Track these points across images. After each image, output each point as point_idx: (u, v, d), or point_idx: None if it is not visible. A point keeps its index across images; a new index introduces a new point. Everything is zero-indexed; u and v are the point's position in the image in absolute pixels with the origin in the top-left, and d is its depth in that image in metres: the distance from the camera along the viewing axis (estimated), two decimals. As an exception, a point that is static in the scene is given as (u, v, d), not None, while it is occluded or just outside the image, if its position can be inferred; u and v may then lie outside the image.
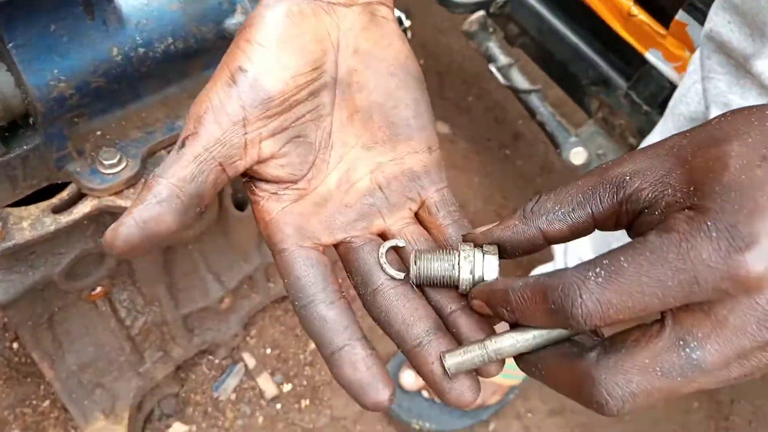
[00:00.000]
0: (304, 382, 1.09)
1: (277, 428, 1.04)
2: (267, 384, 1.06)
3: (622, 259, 0.27)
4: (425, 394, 1.08)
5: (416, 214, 0.41)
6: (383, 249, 0.38)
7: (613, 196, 0.31)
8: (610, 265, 0.28)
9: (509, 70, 1.13)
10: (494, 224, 0.35)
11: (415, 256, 0.37)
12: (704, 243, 0.26)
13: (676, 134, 0.31)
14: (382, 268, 0.38)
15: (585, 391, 0.29)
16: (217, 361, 1.06)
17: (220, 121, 0.35)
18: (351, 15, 0.40)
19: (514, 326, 0.34)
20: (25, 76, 0.63)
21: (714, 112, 0.72)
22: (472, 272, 0.35)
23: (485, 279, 0.35)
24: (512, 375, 1.11)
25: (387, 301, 0.37)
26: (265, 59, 0.36)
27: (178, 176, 0.34)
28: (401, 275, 0.38)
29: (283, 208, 0.38)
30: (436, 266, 0.36)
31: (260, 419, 1.04)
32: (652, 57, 0.96)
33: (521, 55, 1.24)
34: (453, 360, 0.34)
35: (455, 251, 0.37)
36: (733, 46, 0.67)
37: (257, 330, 1.11)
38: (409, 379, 1.07)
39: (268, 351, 1.10)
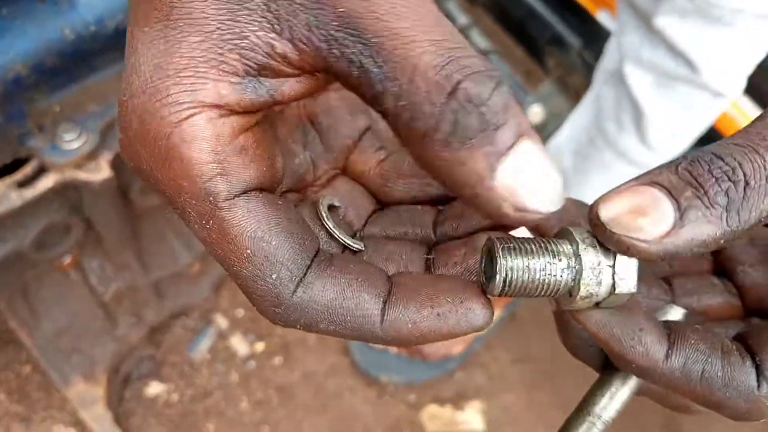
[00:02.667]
0: (277, 341, 1.14)
1: (251, 385, 1.09)
2: (240, 344, 1.11)
3: None
4: (393, 349, 1.14)
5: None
6: (324, 207, 0.27)
7: None
8: None
9: (468, 30, 1.15)
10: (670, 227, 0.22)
11: (499, 250, 0.23)
12: None
13: None
14: (331, 233, 0.26)
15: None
16: (190, 323, 1.11)
17: None
18: None
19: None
20: (-22, 59, 0.65)
21: (627, 67, 0.75)
22: (597, 286, 0.23)
23: (617, 293, 0.23)
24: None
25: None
26: None
27: None
28: (359, 245, 0.27)
29: None
30: (535, 268, 0.23)
31: (235, 377, 1.09)
32: (602, 17, 0.99)
33: (484, 17, 1.25)
34: None
35: (562, 243, 0.24)
36: (638, 3, 0.70)
37: (229, 292, 1.15)
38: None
39: (241, 312, 1.14)
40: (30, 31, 0.68)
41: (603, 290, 0.23)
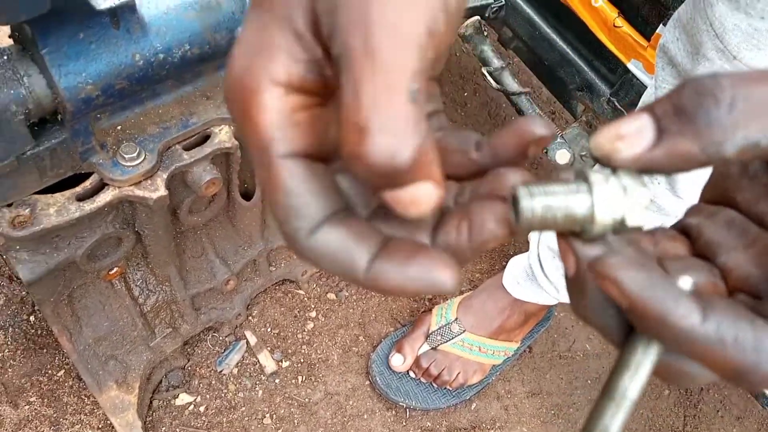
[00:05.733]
0: (302, 360, 1.17)
1: (275, 401, 1.12)
2: (267, 360, 1.14)
3: None
4: (412, 374, 1.17)
5: None
6: None
7: None
8: None
9: (501, 72, 1.20)
10: (649, 142, 0.24)
11: (526, 191, 0.26)
12: None
13: None
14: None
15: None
16: (221, 337, 1.14)
17: None
18: None
19: None
20: (56, 79, 0.70)
21: None
22: (611, 209, 0.25)
23: (629, 224, 0.25)
24: (494, 355, 1.20)
25: None
26: None
27: None
28: None
29: None
30: (558, 202, 0.26)
31: (260, 392, 1.12)
32: (633, 67, 1.03)
33: (514, 57, 1.30)
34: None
35: (578, 178, 0.26)
36: (678, 60, 0.74)
37: (259, 310, 1.19)
38: (399, 360, 1.15)
39: (269, 330, 1.18)
40: (103, 55, 0.73)
41: (619, 213, 0.25)
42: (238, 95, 0.28)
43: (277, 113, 0.27)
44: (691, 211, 0.32)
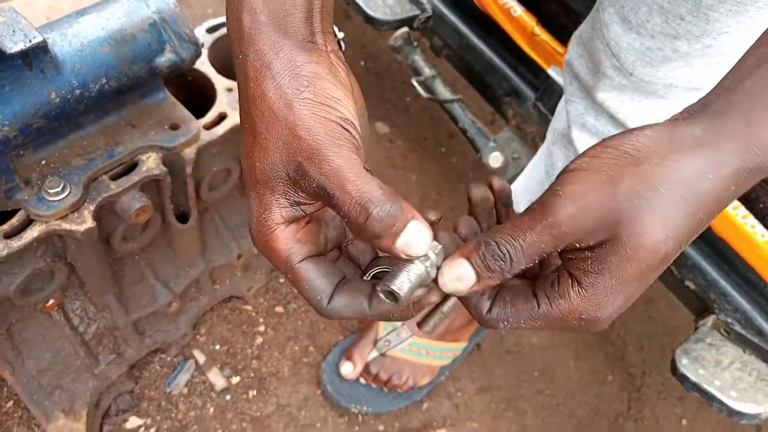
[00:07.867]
0: (252, 374, 1.19)
1: (227, 417, 1.14)
2: (217, 377, 1.16)
3: None
4: (362, 381, 1.19)
5: None
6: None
7: (557, 250, 0.40)
8: None
9: (433, 81, 1.22)
10: (473, 283, 0.41)
11: (394, 280, 0.41)
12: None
13: (613, 184, 0.38)
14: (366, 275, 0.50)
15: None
16: (168, 358, 1.15)
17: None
18: (336, 62, 0.46)
19: None
20: (-29, 123, 0.70)
21: (574, 131, 0.83)
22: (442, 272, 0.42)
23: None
24: (442, 356, 1.23)
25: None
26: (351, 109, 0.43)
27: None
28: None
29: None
30: (415, 279, 0.41)
31: (211, 410, 1.14)
32: (553, 73, 1.06)
33: (447, 65, 1.33)
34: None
35: (419, 263, 0.41)
36: (582, 76, 0.78)
37: (206, 328, 1.20)
38: (348, 368, 1.17)
39: (217, 347, 1.19)
40: (17, 97, 0.74)
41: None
42: (261, 239, 0.44)
43: (284, 239, 0.43)
44: None
